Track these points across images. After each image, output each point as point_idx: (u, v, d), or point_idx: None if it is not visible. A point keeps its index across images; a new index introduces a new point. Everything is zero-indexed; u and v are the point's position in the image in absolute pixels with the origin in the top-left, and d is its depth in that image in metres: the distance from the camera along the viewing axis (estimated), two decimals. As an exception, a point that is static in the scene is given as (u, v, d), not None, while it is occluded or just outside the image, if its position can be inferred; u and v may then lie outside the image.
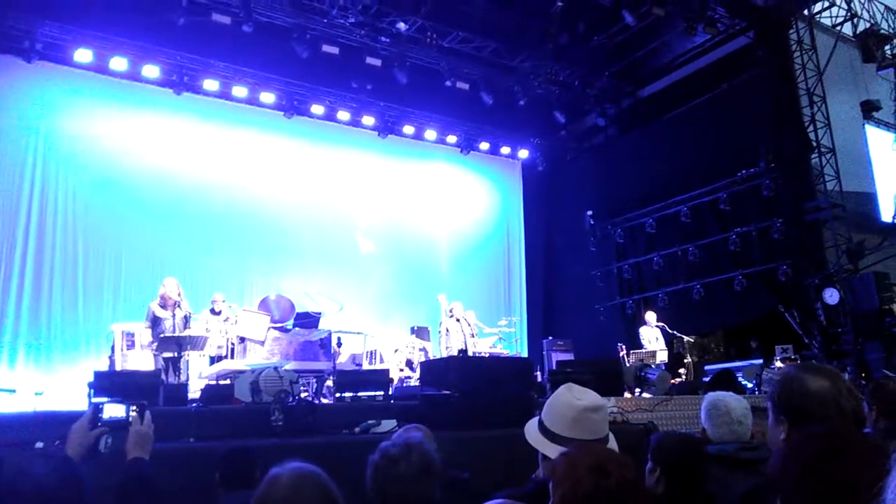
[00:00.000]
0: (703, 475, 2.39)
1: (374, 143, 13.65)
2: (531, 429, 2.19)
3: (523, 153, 15.55)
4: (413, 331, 11.37)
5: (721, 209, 12.06)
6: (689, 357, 11.06)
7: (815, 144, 11.55)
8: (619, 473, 1.49)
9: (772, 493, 1.15)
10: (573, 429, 2.06)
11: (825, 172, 11.48)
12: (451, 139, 14.44)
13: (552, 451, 2.04)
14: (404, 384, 9.81)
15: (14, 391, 8.02)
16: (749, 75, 12.00)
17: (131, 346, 8.75)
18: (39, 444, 3.86)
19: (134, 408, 2.34)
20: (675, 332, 11.18)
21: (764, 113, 11.60)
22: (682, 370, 10.77)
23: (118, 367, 8.44)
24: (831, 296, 10.57)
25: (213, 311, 9.38)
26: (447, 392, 5.56)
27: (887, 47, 12.60)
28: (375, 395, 6.19)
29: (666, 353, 10.78)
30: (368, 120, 13.31)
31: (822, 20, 12.60)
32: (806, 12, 12.13)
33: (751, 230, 11.65)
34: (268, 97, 12.16)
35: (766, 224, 11.37)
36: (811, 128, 11.63)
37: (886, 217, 12.71)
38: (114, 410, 2.46)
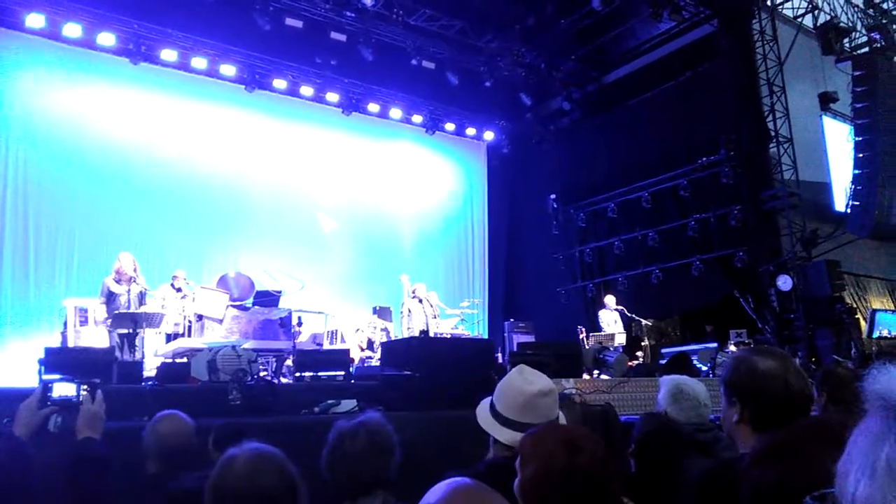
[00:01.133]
0: (677, 456, 2.43)
1: (338, 120, 13.46)
2: (482, 411, 2.21)
3: (489, 135, 15.52)
4: (375, 311, 11.33)
5: (681, 195, 12.25)
6: (646, 340, 11.26)
7: (773, 134, 11.78)
8: (591, 451, 1.49)
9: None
10: (524, 413, 2.09)
11: (783, 162, 11.73)
12: (417, 119, 14.32)
13: (502, 434, 2.09)
14: (365, 364, 9.78)
15: (-40, 367, 7.78)
16: (712, 64, 12.14)
17: (84, 322, 8.54)
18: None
19: (85, 387, 2.28)
20: (633, 316, 11.36)
21: (725, 101, 11.77)
22: (639, 353, 10.96)
23: (71, 344, 8.24)
24: (784, 282, 10.84)
25: (173, 287, 9.19)
26: (408, 373, 5.55)
27: (846, 40, 12.87)
28: (336, 375, 6.15)
29: (624, 335, 10.95)
30: (332, 96, 13.11)
31: (784, 11, 12.81)
32: (769, 2, 12.31)
33: (709, 216, 11.86)
34: (228, 69, 11.87)
35: (725, 211, 11.59)
36: (770, 117, 11.85)
37: (840, 206, 13.06)
38: (64, 389, 2.39)
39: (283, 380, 7.60)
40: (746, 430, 1.69)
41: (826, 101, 12.68)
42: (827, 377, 3.08)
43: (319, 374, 6.10)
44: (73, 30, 10.43)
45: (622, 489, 1.63)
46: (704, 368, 8.33)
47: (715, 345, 9.73)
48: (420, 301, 10.76)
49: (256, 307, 9.43)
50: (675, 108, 12.51)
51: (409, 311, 10.71)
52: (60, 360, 4.90)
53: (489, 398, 2.25)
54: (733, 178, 11.46)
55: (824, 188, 13.54)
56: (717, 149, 11.64)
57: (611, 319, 11.31)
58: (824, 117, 13.69)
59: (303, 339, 9.67)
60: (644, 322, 11.37)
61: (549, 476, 1.48)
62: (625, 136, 13.35)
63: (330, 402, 4.88)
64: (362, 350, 10.35)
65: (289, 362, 8.21)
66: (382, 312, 11.38)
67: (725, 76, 11.85)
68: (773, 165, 11.70)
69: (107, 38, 10.71)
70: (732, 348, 9.68)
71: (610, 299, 11.62)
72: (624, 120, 13.56)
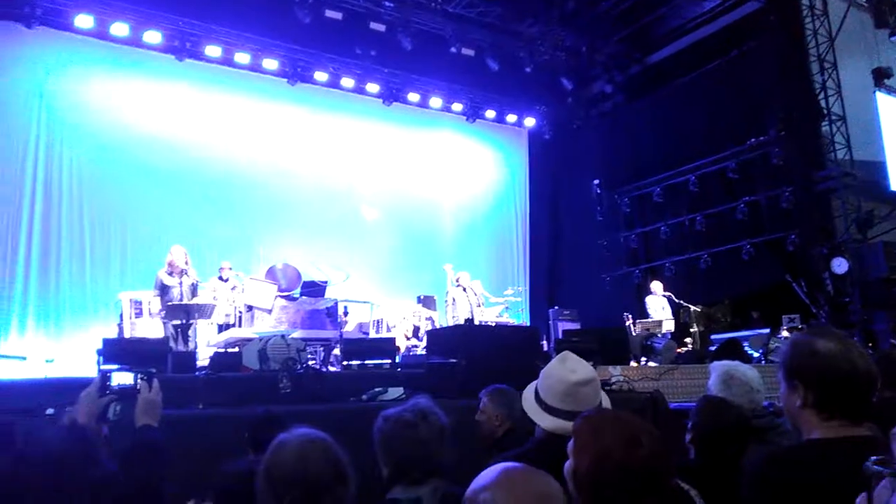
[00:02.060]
0: (734, 439, 2.38)
1: (378, 110, 13.52)
2: (527, 397, 2.26)
3: (529, 121, 15.38)
4: (419, 300, 11.39)
5: (729, 178, 11.95)
6: (695, 326, 11.06)
7: (825, 112, 11.38)
8: (650, 445, 1.47)
9: None
10: (564, 401, 2.13)
11: (835, 141, 11.33)
12: (457, 107, 14.28)
13: (544, 420, 2.14)
14: (411, 353, 9.86)
15: (25, 358, 8.11)
16: (759, 41, 11.77)
17: (139, 314, 8.80)
18: (50, 411, 3.88)
19: (142, 376, 2.34)
20: (681, 302, 11.17)
21: (774, 80, 11.40)
22: (688, 340, 10.79)
23: (127, 335, 8.50)
24: (839, 265, 10.50)
25: (220, 279, 9.40)
26: (453, 360, 5.58)
27: (901, 12, 12.32)
28: (382, 364, 6.21)
29: (672, 322, 10.78)
30: (373, 87, 13.16)
31: (835, -16, 12.33)
32: (819, -25, 11.86)
33: (759, 199, 11.56)
34: (271, 64, 12.02)
35: (775, 193, 11.27)
36: (822, 95, 11.43)
37: (896, 186, 12.56)
38: (122, 378, 2.47)
39: (331, 368, 7.71)
40: (811, 414, 1.63)
41: (880, 77, 12.18)
42: (883, 361, 2.98)
43: (366, 362, 6.16)
44: (120, 29, 10.69)
45: (677, 479, 1.61)
46: (756, 355, 8.17)
47: (767, 330, 9.51)
48: (464, 290, 10.76)
49: (304, 297, 9.58)
50: (721, 89, 12.18)
51: (454, 299, 10.72)
52: (117, 351, 5.06)
53: (534, 384, 2.28)
54: (784, 159, 11.13)
55: (879, 167, 13.02)
56: (766, 129, 11.32)
57: (658, 306, 11.14)
58: (878, 93, 13.14)
59: (349, 328, 9.81)
60: (692, 308, 11.16)
61: (607, 470, 1.46)
62: (669, 119, 13.07)
63: (377, 389, 4.94)
64: (408, 339, 10.43)
65: (336, 351, 8.33)
66: (427, 301, 11.43)
67: (773, 53, 11.48)
68: (825, 145, 11.32)
69: (153, 36, 10.95)
70: (785, 334, 9.44)
71: (657, 285, 11.44)
72: (668, 102, 13.27)
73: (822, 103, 11.40)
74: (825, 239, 11.00)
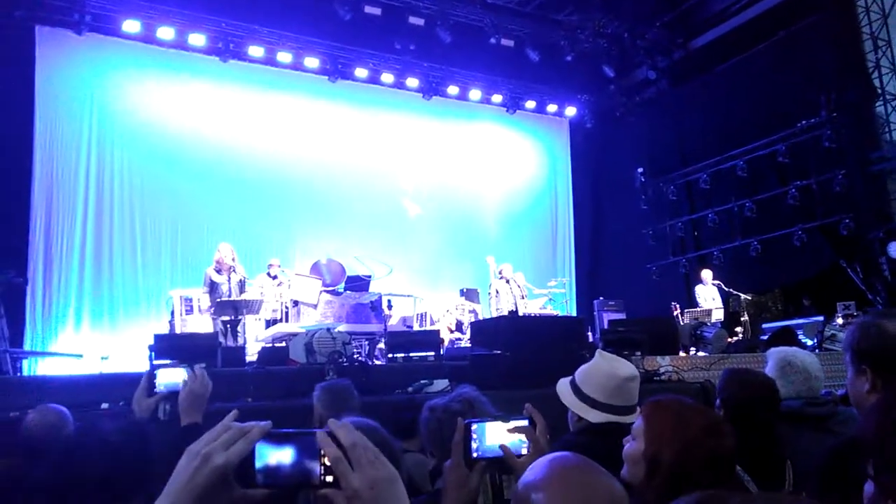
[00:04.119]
0: (774, 412, 2.33)
1: (418, 104, 13.55)
2: (566, 392, 2.36)
3: (570, 111, 15.20)
4: (462, 293, 11.39)
5: (780, 162, 11.60)
6: (745, 315, 10.80)
7: (879, 91, 10.97)
8: (730, 435, 1.48)
9: (862, 456, 1.01)
10: (612, 397, 2.24)
11: (890, 120, 10.92)
12: (497, 98, 14.20)
13: (590, 415, 2.25)
14: (455, 346, 9.86)
15: (81, 356, 8.39)
16: (809, 21, 11.39)
17: (190, 310, 9.01)
18: (104, 405, 4.01)
19: (185, 374, 2.36)
20: (731, 290, 10.92)
21: (825, 60, 11.03)
22: (738, 329, 10.54)
23: (178, 332, 8.71)
24: (896, 249, 10.13)
25: (269, 276, 9.56)
26: (498, 352, 5.56)
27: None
28: (427, 356, 6.21)
29: (722, 311, 10.55)
30: (412, 82, 13.18)
31: (889, -42, 11.84)
32: (871, -51, 11.42)
33: (811, 183, 11.20)
34: (312, 62, 12.14)
35: (828, 176, 10.91)
36: (875, 74, 11.03)
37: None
38: (169, 376, 2.50)
39: (376, 362, 7.76)
40: None
41: (938, 53, 11.67)
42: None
43: (411, 354, 6.18)
44: (166, 32, 10.93)
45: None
46: (810, 343, 7.93)
47: (821, 318, 9.23)
48: (507, 282, 10.72)
49: (348, 292, 9.67)
50: (769, 71, 11.82)
51: (497, 291, 10.69)
52: (169, 346, 5.18)
53: (567, 379, 2.40)
54: (836, 141, 10.76)
55: (938, 147, 12.51)
56: (818, 111, 10.95)
57: (708, 295, 10.92)
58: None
59: (393, 322, 9.85)
60: (743, 297, 10.90)
61: (696, 459, 1.48)
62: (715, 104, 12.75)
63: (423, 381, 4.95)
64: (451, 332, 10.43)
65: (381, 345, 8.38)
66: (470, 294, 11.42)
67: (824, 33, 11.10)
68: (879, 125, 10.92)
69: (197, 39, 11.17)
70: (840, 321, 9.15)
71: (706, 274, 11.21)
72: (714, 86, 12.95)
73: (876, 82, 11.00)
74: (881, 222, 10.62)
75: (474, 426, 1.48)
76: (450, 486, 1.47)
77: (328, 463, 0.93)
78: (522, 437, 1.49)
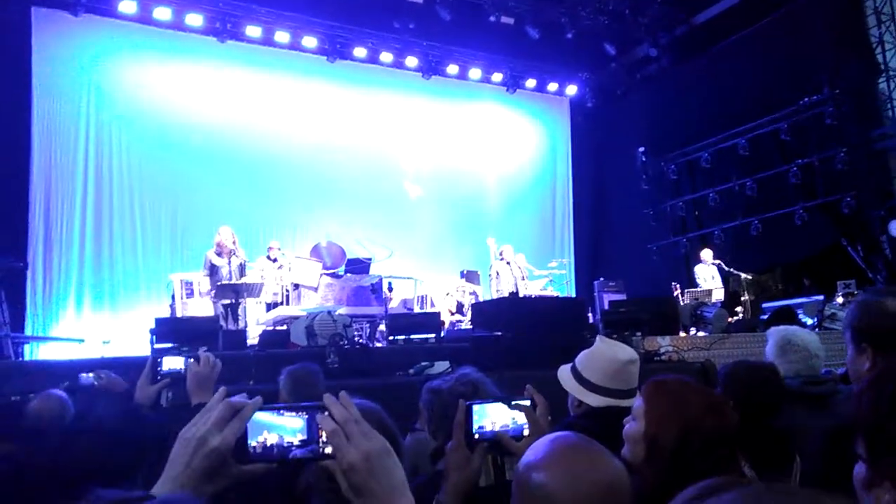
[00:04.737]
0: (778, 407, 2.34)
1: (418, 84, 13.46)
2: (566, 376, 2.40)
3: (571, 89, 15.10)
4: (463, 275, 11.39)
5: (781, 140, 11.53)
6: (746, 295, 10.81)
7: (882, 68, 10.87)
8: (731, 413, 1.48)
9: (856, 435, 0.98)
10: (613, 380, 2.27)
11: (893, 97, 10.83)
12: (497, 77, 14.09)
13: (590, 398, 2.28)
14: (455, 328, 9.88)
15: (83, 341, 8.42)
16: (811, -4, 11.27)
17: (190, 294, 9.02)
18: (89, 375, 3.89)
19: (190, 358, 2.36)
20: (731, 270, 10.91)
21: (828, 36, 10.90)
22: (738, 308, 10.55)
23: (178, 315, 8.72)
24: (898, 228, 10.10)
25: (269, 258, 9.55)
26: (499, 333, 5.56)
27: (967, -42, 11.63)
28: (427, 338, 6.23)
29: (722, 291, 10.56)
30: (412, 61, 13.07)
31: (894, -69, 11.68)
32: (876, -77, 11.26)
33: (813, 161, 11.14)
34: (310, 41, 12.04)
35: (829, 154, 10.84)
36: (878, 50, 10.92)
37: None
38: (172, 363, 2.51)
39: (377, 344, 7.78)
40: None
41: (943, 28, 11.55)
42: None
43: (411, 337, 6.20)
44: (163, 13, 10.83)
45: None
46: (811, 322, 7.94)
47: (821, 297, 9.23)
48: (508, 263, 10.71)
49: (349, 275, 9.67)
50: (771, 48, 11.71)
51: (497, 273, 10.68)
52: (170, 330, 5.19)
53: (569, 365, 2.42)
54: (838, 119, 10.67)
55: (942, 124, 12.42)
56: (821, 88, 10.86)
57: (708, 275, 10.92)
58: (942, 46, 12.50)
59: (394, 304, 9.87)
60: (743, 276, 10.90)
61: (696, 440, 1.48)
62: (717, 81, 12.63)
63: (423, 363, 4.96)
64: (452, 314, 10.45)
65: (381, 327, 8.40)
66: (470, 276, 11.43)
67: (827, 8, 10.96)
68: (882, 102, 10.83)
69: (195, 19, 11.07)
70: (840, 300, 9.15)
71: (707, 253, 11.20)
72: (716, 63, 12.83)
73: (879, 58, 10.89)
74: (883, 200, 10.58)
75: (476, 407, 1.48)
76: (451, 466, 1.47)
77: (325, 438, 0.95)
78: (523, 417, 1.49)
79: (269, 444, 0.95)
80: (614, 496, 1.04)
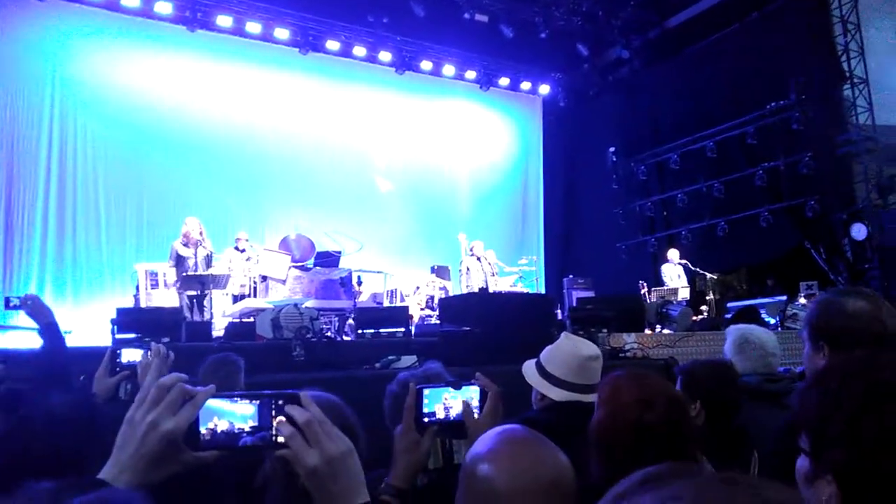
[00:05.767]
0: (739, 404, 2.38)
1: (391, 79, 13.39)
2: (530, 371, 2.43)
3: (544, 89, 15.18)
4: (433, 270, 11.38)
5: (748, 143, 11.74)
6: (711, 294, 10.99)
7: (847, 75, 11.11)
8: (664, 409, 1.47)
9: (799, 429, 0.97)
10: (576, 375, 2.30)
11: (857, 104, 11.08)
12: (470, 75, 14.11)
13: (552, 392, 2.31)
14: (425, 322, 9.87)
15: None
16: (781, 3, 11.47)
17: (155, 285, 8.87)
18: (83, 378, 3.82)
19: (150, 351, 2.32)
20: (697, 270, 11.08)
21: (795, 43, 11.13)
22: (704, 307, 10.72)
23: (143, 306, 8.58)
24: (859, 231, 10.34)
25: (236, 249, 9.44)
26: (467, 328, 5.57)
27: (930, -30, 11.94)
28: (395, 332, 6.22)
29: (688, 290, 10.71)
30: (385, 55, 13.00)
31: (860, -59, 11.94)
32: (843, -68, 11.49)
33: (779, 164, 11.36)
34: (282, 33, 11.90)
35: (795, 158, 11.06)
36: (844, 58, 11.16)
37: (920, 151, 12.29)
38: (131, 355, 2.47)
39: (346, 338, 7.74)
40: None
41: (906, 38, 11.85)
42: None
43: (380, 331, 6.18)
44: (131, 0, 10.60)
45: (697, 447, 1.59)
46: (773, 322, 8.10)
47: (784, 298, 9.43)
48: (478, 259, 10.73)
49: (318, 268, 9.61)
50: (740, 52, 11.91)
51: (468, 269, 10.70)
52: (131, 320, 5.10)
53: (534, 360, 2.46)
54: (804, 124, 10.90)
55: (903, 131, 12.75)
56: (787, 93, 11.07)
57: (674, 274, 11.06)
58: (904, 55, 12.82)
59: (363, 298, 9.83)
60: (709, 276, 11.07)
61: (616, 427, 1.50)
62: (687, 84, 12.83)
63: (391, 357, 4.95)
64: (422, 309, 10.44)
65: (350, 321, 8.35)
66: (441, 271, 11.42)
67: (795, 16, 11.18)
68: (847, 108, 11.07)
69: (164, 7, 10.86)
70: (803, 301, 9.35)
71: (673, 253, 11.35)
72: (686, 67, 13.02)
73: (845, 66, 11.14)
74: (845, 205, 10.82)
75: (426, 391, 1.48)
76: (400, 450, 1.47)
77: (281, 431, 0.94)
78: (475, 402, 1.50)
79: (219, 431, 0.94)
80: (557, 492, 1.03)
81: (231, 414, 0.95)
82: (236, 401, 0.96)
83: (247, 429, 0.95)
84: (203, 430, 0.94)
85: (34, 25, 10.32)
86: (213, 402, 0.95)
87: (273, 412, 0.95)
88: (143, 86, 11.11)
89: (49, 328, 2.83)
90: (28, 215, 10.09)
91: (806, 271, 10.48)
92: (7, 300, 3.43)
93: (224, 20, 11.36)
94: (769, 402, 2.47)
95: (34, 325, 2.99)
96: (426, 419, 1.47)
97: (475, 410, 1.50)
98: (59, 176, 10.41)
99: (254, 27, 11.64)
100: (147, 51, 11.19)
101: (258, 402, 0.96)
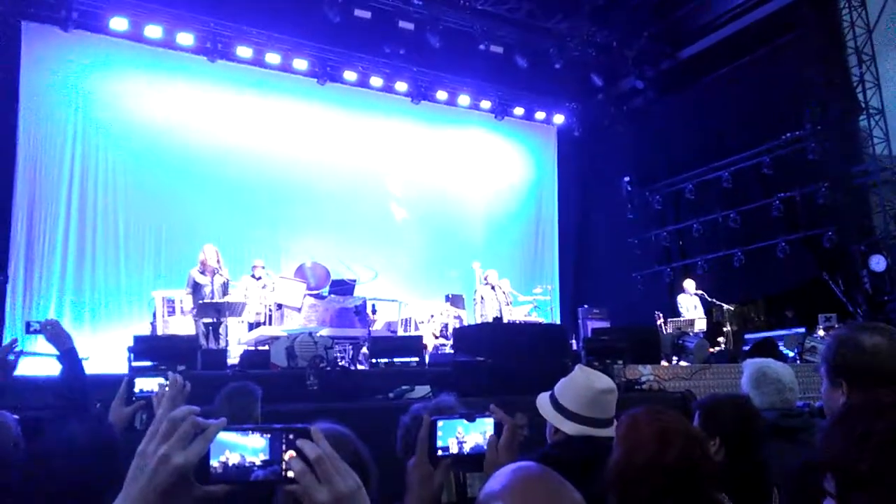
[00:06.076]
0: (760, 440, 2.34)
1: (407, 109, 13.53)
2: (544, 404, 2.41)
3: (559, 118, 15.27)
4: (448, 298, 11.37)
5: (764, 174, 11.71)
6: (728, 326, 10.87)
7: (863, 106, 11.09)
8: (682, 446, 1.46)
9: (823, 471, 0.96)
10: (589, 408, 2.28)
11: (874, 135, 11.04)
12: (485, 104, 14.23)
13: (565, 426, 2.28)
14: (439, 352, 9.85)
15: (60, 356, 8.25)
16: (795, 34, 11.51)
17: (172, 312, 8.94)
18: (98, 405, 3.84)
19: (166, 381, 2.32)
20: (714, 301, 10.99)
21: (810, 73, 11.13)
22: (721, 339, 10.60)
23: (159, 333, 8.63)
24: (878, 262, 10.24)
25: (253, 277, 9.50)
26: (480, 358, 5.55)
27: (945, 2, 11.95)
28: (409, 361, 6.22)
29: (705, 321, 10.61)
30: (401, 86, 13.17)
31: (873, -26, 12.01)
32: (856, -35, 11.56)
33: (795, 195, 11.31)
34: (301, 64, 12.10)
35: (811, 189, 11.01)
36: (860, 88, 11.16)
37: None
38: (147, 384, 2.49)
39: (360, 367, 7.73)
40: None
41: (922, 69, 11.84)
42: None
43: (394, 360, 6.17)
44: (154, 31, 10.85)
45: (717, 485, 1.57)
46: (791, 354, 7.99)
47: (802, 330, 9.31)
48: (493, 288, 10.73)
49: (332, 296, 9.64)
50: (755, 83, 11.94)
51: (482, 298, 10.69)
52: (148, 348, 5.13)
53: (548, 392, 2.44)
54: (820, 154, 10.87)
55: (921, 162, 12.66)
56: (802, 123, 11.06)
57: (690, 304, 10.97)
58: (920, 86, 12.78)
59: (377, 326, 9.83)
60: (726, 307, 10.97)
61: (633, 465, 1.49)
62: (702, 114, 12.85)
63: (404, 387, 4.93)
64: (436, 338, 10.42)
65: (364, 349, 8.35)
66: (455, 300, 11.42)
67: (809, 46, 11.22)
68: (863, 139, 11.03)
69: (185, 38, 11.09)
70: (821, 333, 9.23)
71: (689, 283, 11.27)
72: (701, 97, 13.05)
73: (860, 97, 11.13)
74: (863, 236, 10.74)
75: (440, 423, 1.47)
76: (413, 483, 1.46)
77: (292, 467, 0.94)
78: (489, 434, 1.49)
79: (230, 464, 0.94)
80: None
81: (242, 447, 0.95)
82: (248, 434, 0.96)
83: (258, 462, 0.95)
84: (214, 464, 0.93)
85: (59, 56, 10.56)
86: (224, 436, 0.95)
87: (284, 446, 0.95)
88: (163, 114, 11.31)
89: (68, 354, 2.87)
90: (49, 241, 10.23)
91: (824, 303, 10.36)
92: (28, 324, 3.51)
93: (244, 51, 11.58)
94: (787, 439, 2.44)
95: (54, 350, 3.03)
96: (440, 452, 1.46)
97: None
98: (79, 202, 10.58)
99: (273, 58, 11.85)
100: (168, 80, 11.41)
101: (269, 435, 0.95)
